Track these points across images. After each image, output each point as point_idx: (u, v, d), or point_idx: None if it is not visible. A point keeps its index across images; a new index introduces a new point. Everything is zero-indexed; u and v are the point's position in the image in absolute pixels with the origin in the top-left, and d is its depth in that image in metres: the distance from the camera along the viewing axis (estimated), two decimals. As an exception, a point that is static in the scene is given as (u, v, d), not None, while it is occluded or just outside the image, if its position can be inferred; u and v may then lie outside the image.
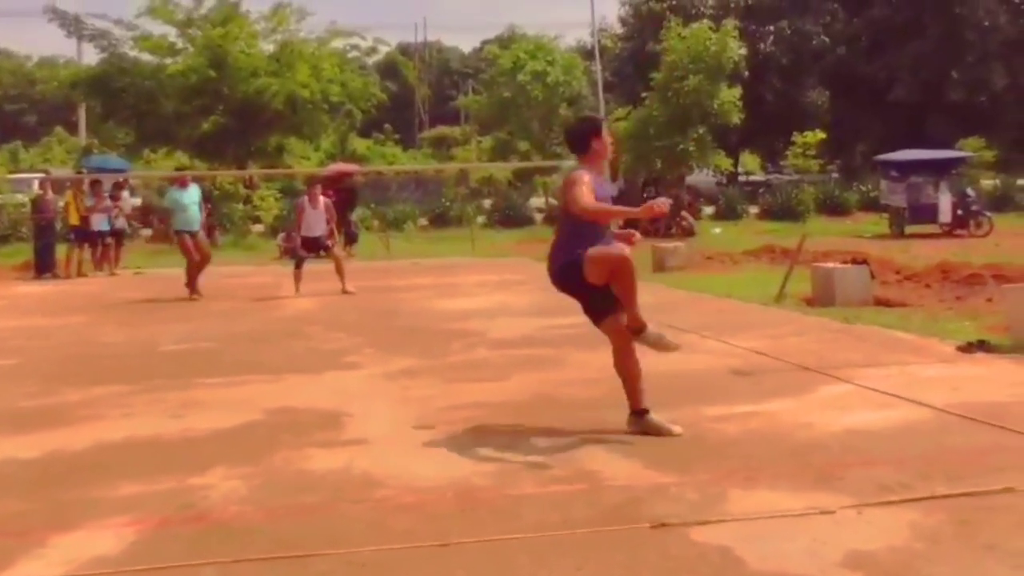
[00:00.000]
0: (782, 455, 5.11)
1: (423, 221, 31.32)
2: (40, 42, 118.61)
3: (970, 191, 25.06)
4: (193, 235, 14.40)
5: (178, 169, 24.66)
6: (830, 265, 12.11)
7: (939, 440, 5.33)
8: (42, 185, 21.18)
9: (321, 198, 14.75)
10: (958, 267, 13.39)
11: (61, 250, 18.95)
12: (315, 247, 14.61)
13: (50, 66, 46.01)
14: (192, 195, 14.64)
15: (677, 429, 5.61)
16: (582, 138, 5.93)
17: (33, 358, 9.11)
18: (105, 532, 4.20)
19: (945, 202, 23.92)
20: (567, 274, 5.82)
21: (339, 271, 14.10)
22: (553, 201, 33.59)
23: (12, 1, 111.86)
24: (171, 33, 29.08)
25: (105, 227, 18.89)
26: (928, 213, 24.05)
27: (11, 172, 41.77)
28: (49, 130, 61.44)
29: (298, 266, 14.32)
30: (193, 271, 14.10)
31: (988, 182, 33.82)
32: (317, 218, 14.50)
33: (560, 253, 5.86)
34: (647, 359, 8.10)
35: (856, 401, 6.28)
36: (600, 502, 4.42)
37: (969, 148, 34.04)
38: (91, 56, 33.75)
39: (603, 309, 5.85)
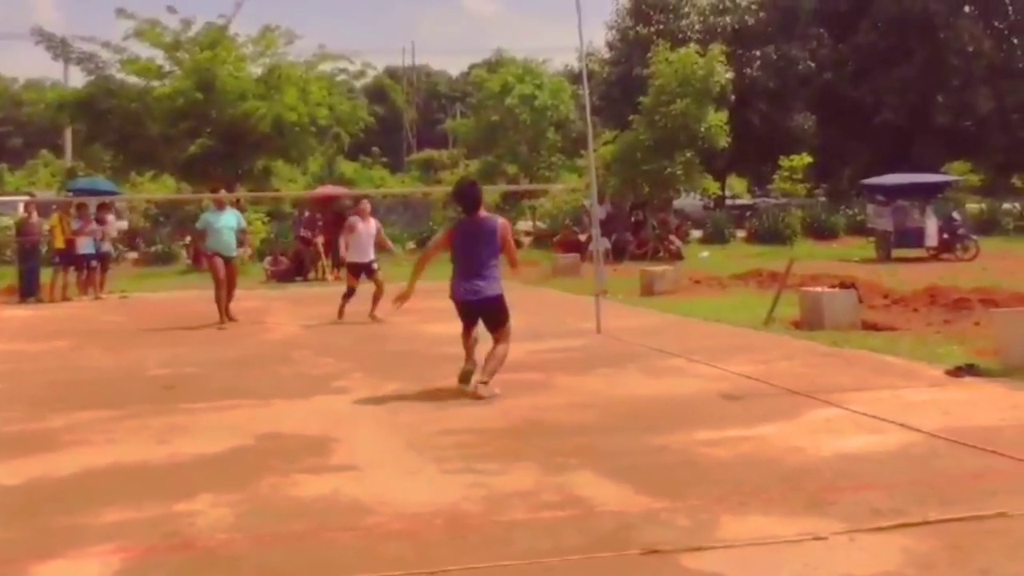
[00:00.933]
0: (773, 480, 5.09)
1: (411, 244, 31.27)
2: (27, 64, 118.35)
3: (956, 215, 25.17)
4: (227, 260, 13.61)
5: (215, 190, 24.41)
6: (818, 289, 12.13)
7: (931, 464, 5.32)
8: (27, 208, 21.07)
9: (372, 218, 14.19)
10: (946, 291, 13.42)
11: (46, 274, 18.84)
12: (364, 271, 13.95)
13: (36, 88, 45.91)
14: (227, 219, 13.84)
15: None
16: (478, 198, 8.14)
17: (17, 383, 9.03)
18: (90, 560, 4.14)
19: (932, 226, 24.01)
20: (502, 300, 8.09)
21: (376, 296, 13.54)
22: (541, 224, 33.66)
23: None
24: (158, 56, 29.06)
25: (91, 250, 18.78)
26: (915, 237, 24.13)
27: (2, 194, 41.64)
28: (35, 152, 61.25)
29: (347, 295, 13.82)
30: (221, 294, 13.39)
31: (974, 206, 34.02)
32: (368, 239, 13.94)
33: (496, 284, 8.05)
34: (639, 383, 8.11)
35: (847, 425, 6.27)
36: (591, 528, 4.39)
37: (955, 172, 34.31)
38: (78, 78, 33.72)
39: (506, 320, 8.11)
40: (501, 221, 8.17)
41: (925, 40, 40.59)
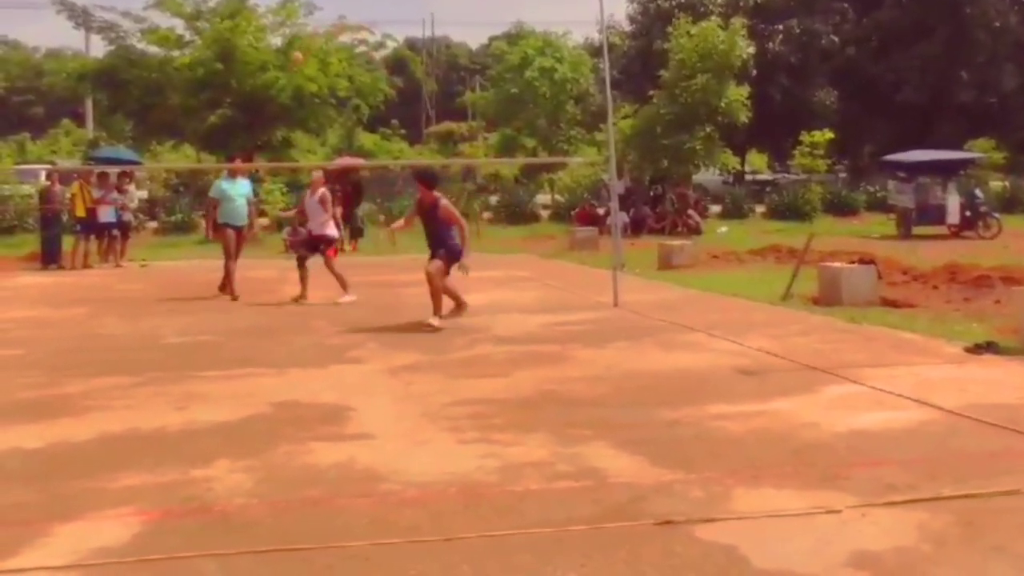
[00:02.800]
0: (787, 454, 5.09)
1: (429, 216, 31.25)
2: (48, 34, 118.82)
3: (978, 192, 24.93)
4: (238, 230, 13.53)
5: (233, 159, 24.35)
6: (837, 265, 12.06)
7: (946, 441, 5.30)
8: (49, 176, 21.19)
9: (321, 188, 13.03)
10: (966, 268, 13.32)
11: (68, 242, 18.96)
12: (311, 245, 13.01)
13: (58, 58, 46.07)
14: (240, 188, 13.71)
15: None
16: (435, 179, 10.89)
17: (37, 349, 9.11)
18: (109, 523, 4.19)
19: (953, 203, 23.81)
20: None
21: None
22: (559, 198, 33.57)
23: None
24: (179, 26, 29.07)
25: (112, 219, 18.88)
26: (936, 214, 23.93)
27: (18, 163, 41.81)
28: (56, 122, 61.50)
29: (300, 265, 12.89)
30: (231, 266, 13.23)
31: (997, 183, 33.70)
32: (313, 210, 12.90)
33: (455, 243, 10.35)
34: (654, 357, 8.11)
35: (862, 401, 6.25)
36: (604, 499, 4.41)
37: (978, 149, 33.91)
38: (99, 48, 33.77)
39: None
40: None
41: (949, 16, 40.03)
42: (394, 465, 4.99)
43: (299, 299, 12.52)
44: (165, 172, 32.88)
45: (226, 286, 13.22)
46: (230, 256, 13.29)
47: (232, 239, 13.37)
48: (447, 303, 10.21)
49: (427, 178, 10.86)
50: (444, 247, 10.25)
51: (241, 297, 12.91)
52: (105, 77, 29.38)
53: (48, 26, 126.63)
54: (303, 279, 12.71)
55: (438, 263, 10.08)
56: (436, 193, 10.57)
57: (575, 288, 13.35)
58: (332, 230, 13.19)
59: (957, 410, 5.86)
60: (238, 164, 14.56)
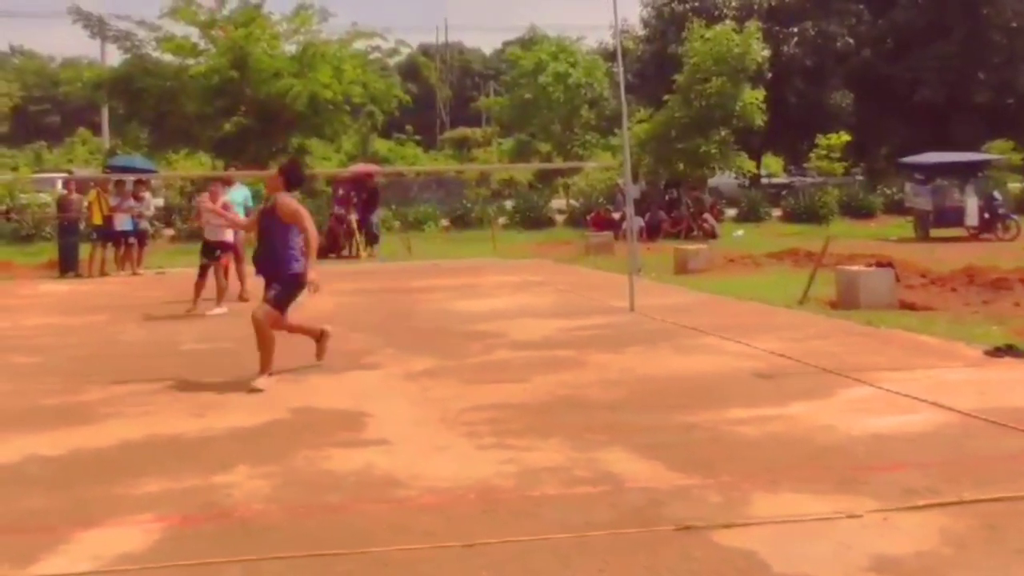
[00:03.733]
0: (805, 458, 5.07)
1: (444, 222, 31.34)
2: (64, 43, 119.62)
3: (997, 194, 24.76)
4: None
5: (228, 167, 24.50)
6: (855, 268, 12.01)
7: (966, 445, 5.27)
8: (66, 185, 21.33)
9: (221, 196, 12.91)
10: (985, 271, 13.24)
11: (85, 250, 19.07)
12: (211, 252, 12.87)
13: (74, 67, 46.36)
14: (235, 196, 13.79)
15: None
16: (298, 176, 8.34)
17: (56, 356, 9.16)
18: (130, 529, 4.21)
19: (971, 205, 23.66)
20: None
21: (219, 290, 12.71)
22: (574, 202, 33.55)
23: (37, 2, 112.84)
24: (193, 34, 29.24)
25: (128, 227, 18.98)
26: (954, 216, 23.80)
27: (35, 172, 42.09)
28: (72, 131, 61.91)
29: (201, 274, 12.79)
30: (241, 268, 13.42)
31: (1015, 185, 33.52)
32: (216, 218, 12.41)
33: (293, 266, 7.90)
34: (671, 361, 8.09)
35: (881, 405, 6.22)
36: (622, 504, 4.40)
37: (996, 151, 33.73)
38: (114, 57, 34.01)
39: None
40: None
41: (966, 16, 39.82)
42: (412, 470, 4.99)
43: (191, 310, 12.33)
44: (181, 180, 33.05)
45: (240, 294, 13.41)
46: (239, 260, 13.50)
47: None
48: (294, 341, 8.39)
49: (290, 172, 8.23)
50: (277, 275, 7.88)
51: (256, 302, 12.91)
52: (121, 86, 29.57)
53: (64, 35, 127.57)
54: (199, 288, 12.63)
55: (268, 308, 7.79)
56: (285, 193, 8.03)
57: (591, 293, 13.34)
58: (230, 236, 12.98)
59: (977, 413, 5.82)
60: (231, 173, 14.82)
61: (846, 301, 10.94)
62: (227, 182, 14.23)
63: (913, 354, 7.94)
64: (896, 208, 30.88)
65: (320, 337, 8.45)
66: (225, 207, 12.08)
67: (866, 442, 5.34)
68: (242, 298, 13.25)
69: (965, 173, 24.91)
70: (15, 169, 49.01)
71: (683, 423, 5.87)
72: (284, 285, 7.85)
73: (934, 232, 23.59)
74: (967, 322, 9.58)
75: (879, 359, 7.75)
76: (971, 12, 39.64)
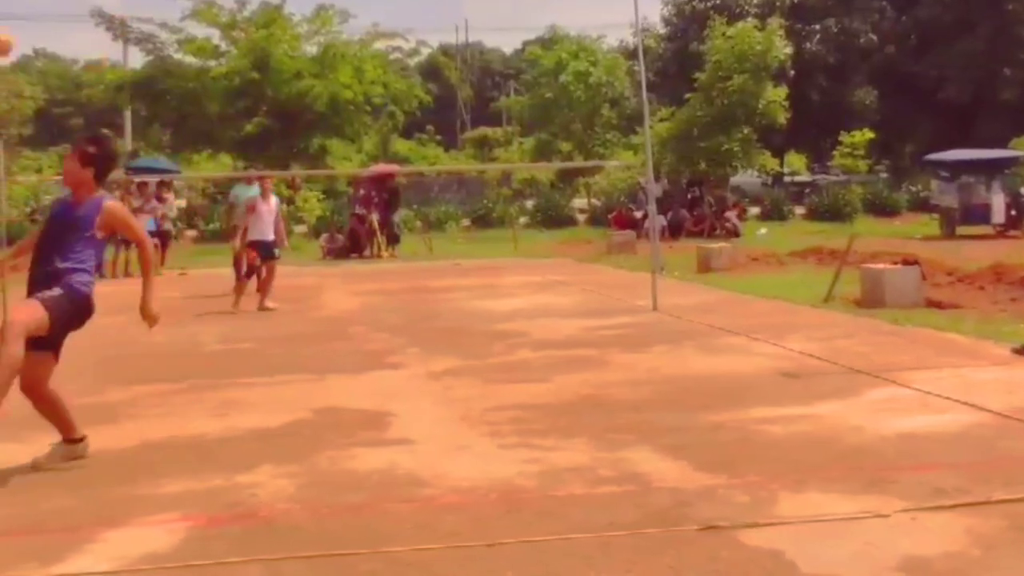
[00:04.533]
0: (833, 458, 5.02)
1: (465, 222, 31.37)
2: (86, 46, 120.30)
3: (1024, 191, 24.58)
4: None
5: (248, 167, 24.66)
6: (880, 266, 11.91)
7: (996, 444, 5.20)
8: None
9: (273, 196, 13.21)
10: (1012, 268, 13.06)
11: (108, 251, 19.17)
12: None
13: (96, 69, 46.72)
14: (254, 192, 13.86)
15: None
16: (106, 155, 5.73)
17: (79, 357, 9.15)
18: (154, 529, 4.21)
19: (998, 202, 23.44)
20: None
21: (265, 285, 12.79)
22: (596, 202, 33.48)
23: (59, 5, 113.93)
24: (215, 36, 29.40)
25: (151, 228, 19.07)
26: (980, 214, 23.58)
27: (59, 175, 42.38)
28: (95, 133, 62.30)
29: (247, 275, 12.83)
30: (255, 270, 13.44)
31: (1043, 182, 33.18)
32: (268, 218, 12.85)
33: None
34: (695, 360, 8.04)
35: (908, 404, 6.15)
36: (647, 504, 4.36)
37: (1022, 147, 33.43)
38: (137, 59, 34.22)
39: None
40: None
41: (991, 12, 39.48)
42: (435, 470, 4.98)
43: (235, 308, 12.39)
44: (203, 181, 33.22)
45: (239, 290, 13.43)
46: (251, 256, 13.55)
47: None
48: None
49: (102, 158, 5.64)
50: (60, 282, 5.45)
51: (279, 304, 13.00)
52: (143, 88, 29.78)
53: (87, 38, 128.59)
54: (242, 290, 12.67)
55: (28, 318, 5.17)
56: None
57: (613, 292, 13.30)
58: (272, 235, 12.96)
59: (1006, 412, 5.74)
60: (251, 173, 15.10)
61: (871, 300, 10.85)
62: (248, 180, 14.37)
63: (941, 353, 7.85)
64: (921, 206, 30.66)
65: (68, 429, 5.42)
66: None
67: (894, 442, 5.27)
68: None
69: (991, 170, 24.71)
70: (39, 171, 49.39)
71: (709, 423, 5.82)
72: (67, 292, 5.56)
73: (960, 230, 23.38)
74: (995, 320, 9.46)
75: (906, 358, 7.67)
76: (997, 8, 39.28)
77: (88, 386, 7.66)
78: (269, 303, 12.47)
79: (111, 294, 15.52)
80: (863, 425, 5.64)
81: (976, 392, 6.28)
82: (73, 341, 6.90)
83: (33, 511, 4.54)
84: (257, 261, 12.61)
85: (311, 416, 6.37)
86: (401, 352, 8.94)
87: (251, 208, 12.89)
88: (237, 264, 13.64)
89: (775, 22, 29.25)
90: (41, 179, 37.44)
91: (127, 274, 18.64)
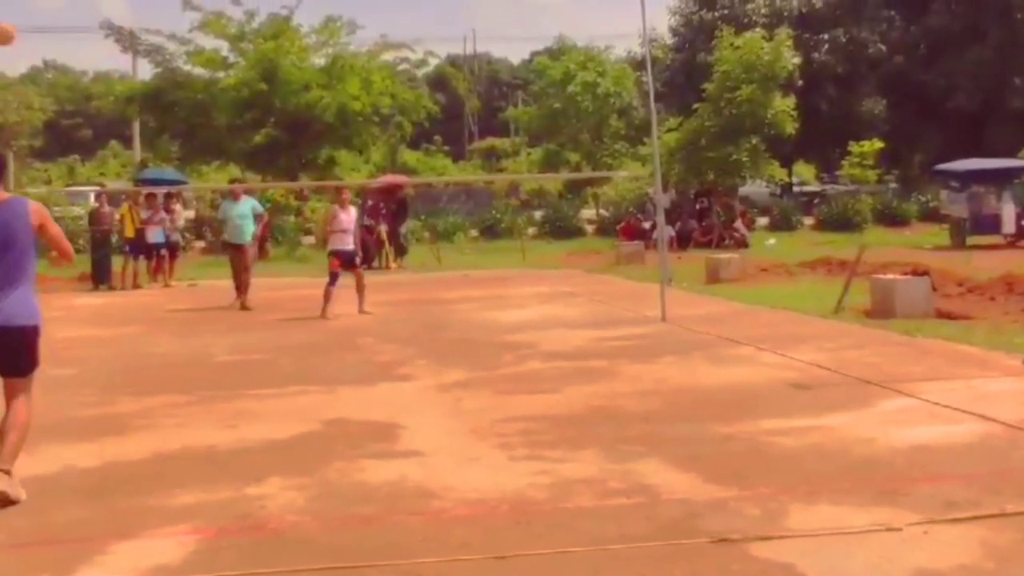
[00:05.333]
0: (844, 470, 5.00)
1: (473, 232, 31.39)
2: (96, 57, 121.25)
3: (1035, 201, 24.46)
4: (237, 248, 14.38)
5: (232, 181, 24.89)
6: (890, 276, 11.88)
7: (1008, 456, 5.18)
8: (98, 198, 21.54)
9: (351, 206, 13.62)
10: (1023, 279, 13.03)
11: (117, 262, 19.24)
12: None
13: (105, 81, 47.02)
14: (241, 208, 14.54)
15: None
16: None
17: (90, 368, 9.23)
18: (165, 540, 4.21)
19: (1009, 212, 23.34)
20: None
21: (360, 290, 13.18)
22: (604, 212, 33.47)
23: (69, 17, 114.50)
24: (223, 47, 29.48)
25: (160, 239, 19.14)
26: (991, 224, 23.48)
27: (68, 186, 42.60)
28: (104, 144, 62.62)
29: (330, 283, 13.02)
30: (237, 280, 14.18)
31: (1053, 192, 33.06)
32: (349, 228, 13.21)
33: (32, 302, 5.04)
34: (705, 371, 8.02)
35: (920, 416, 6.12)
36: (658, 516, 4.35)
37: (1032, 157, 33.34)
38: (146, 71, 34.35)
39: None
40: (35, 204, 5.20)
41: (1000, 21, 39.39)
42: (445, 482, 4.97)
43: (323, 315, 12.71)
44: (211, 192, 33.31)
45: (242, 302, 14.06)
46: (235, 271, 14.26)
47: (231, 256, 14.42)
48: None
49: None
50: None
51: (284, 315, 13.11)
52: (152, 99, 29.85)
53: (96, 50, 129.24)
54: (330, 297, 12.88)
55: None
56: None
57: (622, 303, 13.29)
58: (351, 245, 13.36)
59: (1018, 423, 5.72)
60: (236, 186, 15.50)
61: (881, 310, 10.81)
62: (235, 196, 14.63)
63: (952, 364, 7.83)
64: (931, 216, 30.59)
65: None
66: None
67: (905, 453, 5.25)
68: (244, 307, 13.85)
69: (1001, 180, 24.61)
70: (48, 183, 49.62)
71: (719, 434, 5.81)
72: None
73: (971, 240, 23.29)
74: (1006, 331, 9.42)
75: (917, 369, 7.65)
76: (1007, 17, 39.19)
77: (100, 397, 7.67)
78: (366, 308, 13.00)
79: (121, 305, 15.66)
80: (874, 436, 5.62)
81: (987, 403, 6.26)
82: (85, 352, 6.95)
83: (45, 522, 4.55)
84: (339, 269, 13.01)
85: (321, 428, 6.37)
86: (411, 363, 8.94)
87: (333, 217, 13.31)
88: (237, 278, 14.13)
89: (783, 32, 29.25)
90: (50, 190, 37.63)
91: (136, 285, 18.70)
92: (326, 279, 12.95)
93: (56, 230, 5.25)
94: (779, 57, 27.90)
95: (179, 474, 5.29)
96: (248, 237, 14.57)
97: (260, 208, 15.24)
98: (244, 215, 14.52)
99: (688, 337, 9.96)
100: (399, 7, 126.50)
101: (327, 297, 12.82)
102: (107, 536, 4.28)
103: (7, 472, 4.75)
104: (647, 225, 25.96)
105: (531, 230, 31.38)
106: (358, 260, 13.40)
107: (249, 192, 16.24)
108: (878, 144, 33.39)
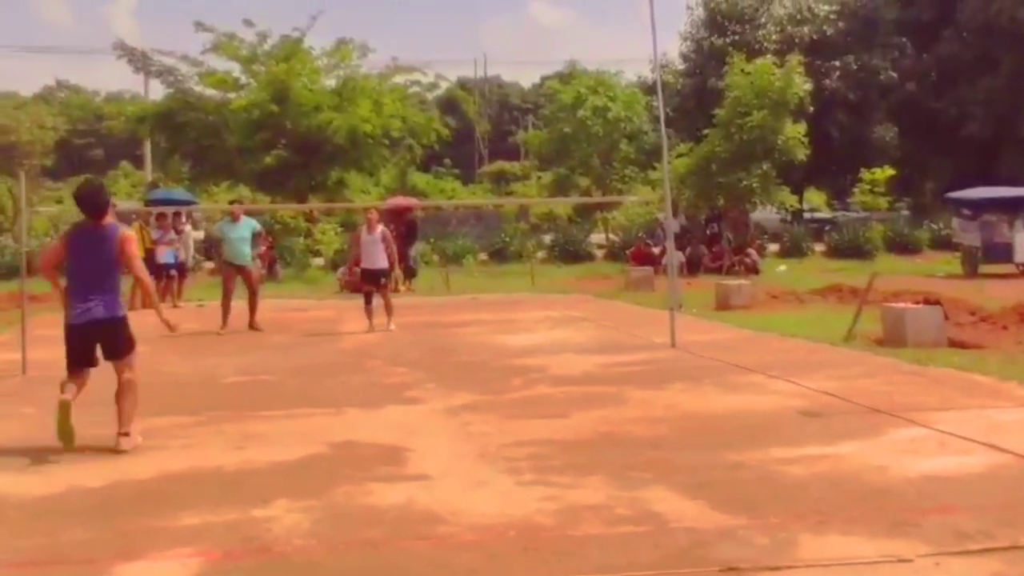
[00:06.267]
0: (854, 499, 4.95)
1: (483, 256, 31.40)
2: (108, 78, 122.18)
3: (1048, 230, 24.37)
4: (238, 268, 14.34)
5: (232, 202, 24.95)
6: (901, 305, 11.82)
7: (1021, 487, 5.12)
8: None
9: (379, 225, 14.30)
10: (1036, 309, 12.96)
11: (126, 282, 19.23)
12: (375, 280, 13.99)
13: (117, 101, 47.48)
14: (240, 229, 14.51)
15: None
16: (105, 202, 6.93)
17: (96, 387, 9.19)
18: (169, 562, 4.19)
19: (1021, 241, 23.24)
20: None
21: (387, 308, 13.87)
22: (614, 237, 33.47)
23: (82, 38, 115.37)
24: (235, 69, 29.66)
25: (171, 260, 19.18)
26: (1003, 252, 23.39)
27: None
28: (115, 164, 62.96)
29: (368, 301, 13.91)
30: (226, 303, 14.10)
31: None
32: (375, 247, 13.98)
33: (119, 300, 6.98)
34: (714, 398, 7.98)
35: (931, 445, 6.07)
36: (666, 544, 4.31)
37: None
38: (158, 91, 34.59)
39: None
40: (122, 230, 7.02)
41: (1013, 49, 39.36)
42: (452, 506, 4.94)
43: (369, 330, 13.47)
44: (221, 213, 33.44)
45: (250, 322, 14.12)
46: (226, 293, 14.21)
47: (230, 277, 14.33)
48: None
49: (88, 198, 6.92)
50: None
51: (293, 336, 13.12)
52: (163, 119, 30.05)
53: (109, 70, 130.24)
54: (369, 314, 13.73)
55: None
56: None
57: (631, 328, 13.25)
58: (384, 263, 14.04)
59: (1031, 455, 5.66)
60: (235, 207, 15.54)
61: (893, 339, 10.76)
62: (235, 216, 14.61)
63: (964, 393, 7.77)
64: (943, 244, 30.51)
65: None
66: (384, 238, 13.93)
67: (917, 484, 5.20)
68: (253, 327, 13.93)
69: (1014, 208, 24.52)
70: (60, 202, 49.88)
71: (728, 462, 5.76)
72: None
73: (983, 269, 23.21)
74: (1019, 361, 9.35)
75: (929, 398, 7.59)
76: (1019, 46, 39.16)
77: (109, 416, 7.65)
78: (391, 325, 13.65)
79: (131, 324, 15.62)
80: (884, 466, 5.57)
81: (999, 434, 6.20)
82: (95, 372, 6.94)
83: (52, 542, 4.53)
84: (365, 287, 13.90)
85: (328, 450, 6.35)
86: (419, 386, 8.92)
87: (356, 238, 14.10)
88: (227, 300, 14.17)
89: (794, 59, 29.29)
90: (62, 210, 37.81)
91: (146, 305, 18.69)
92: (332, 301, 13.21)
93: (131, 254, 6.94)
94: (790, 83, 27.93)
95: (185, 495, 5.27)
96: (249, 258, 14.58)
97: (259, 227, 15.27)
98: (243, 236, 14.49)
99: (698, 363, 9.91)
100: (410, 30, 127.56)
101: (369, 314, 13.77)
102: (112, 557, 4.26)
103: (126, 434, 6.52)
104: (657, 250, 25.94)
105: (540, 254, 31.38)
106: (383, 279, 13.94)
107: (257, 213, 16.32)
108: (889, 171, 33.39)
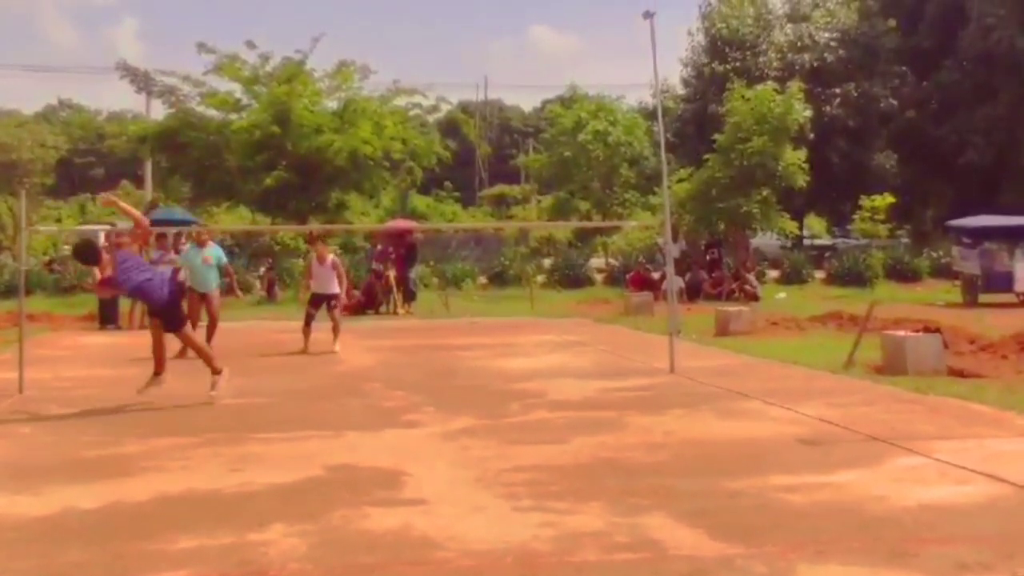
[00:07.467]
0: (853, 529, 4.93)
1: (482, 279, 31.40)
2: (110, 97, 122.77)
3: (1048, 259, 24.38)
4: (200, 296, 14.09)
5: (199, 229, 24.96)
6: (901, 333, 11.81)
7: (1020, 518, 5.10)
8: (108, 237, 21.61)
9: (330, 256, 14.79)
10: (1036, 338, 12.93)
11: (125, 302, 19.25)
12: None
13: (119, 121, 47.64)
14: (205, 255, 14.23)
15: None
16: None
17: (95, 408, 9.20)
18: (163, 587, 4.16)
19: (1021, 270, 23.22)
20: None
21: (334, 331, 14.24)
22: (614, 261, 33.49)
23: (85, 57, 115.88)
24: (237, 90, 29.74)
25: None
26: (1003, 281, 23.38)
27: (80, 224, 42.90)
28: (116, 183, 63.05)
29: (307, 323, 14.33)
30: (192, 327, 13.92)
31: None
32: (326, 275, 14.52)
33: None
34: (713, 425, 7.96)
35: (931, 475, 6.05)
36: (664, 572, 4.29)
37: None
38: (159, 111, 34.70)
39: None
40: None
41: (1012, 78, 39.55)
42: (450, 532, 4.91)
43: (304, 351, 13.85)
44: (221, 234, 33.49)
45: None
46: (191, 322, 13.49)
47: (193, 304, 13.74)
48: None
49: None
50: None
51: (290, 359, 13.15)
52: (165, 139, 30.09)
53: (111, 90, 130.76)
54: (306, 334, 14.11)
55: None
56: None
57: (631, 353, 13.24)
58: (336, 288, 14.55)
59: (1031, 485, 5.64)
60: (203, 230, 15.35)
61: (892, 367, 10.74)
62: (200, 243, 14.37)
63: (964, 423, 7.75)
64: (943, 272, 30.52)
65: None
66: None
67: (916, 513, 5.18)
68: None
69: (1014, 237, 24.52)
70: (59, 221, 49.98)
71: (727, 489, 5.74)
72: None
73: (983, 297, 23.20)
74: (1019, 390, 9.33)
75: (928, 427, 7.57)
76: (1019, 73, 39.35)
77: (106, 438, 7.64)
78: (336, 346, 13.99)
79: (127, 345, 15.63)
80: (884, 495, 5.55)
81: (999, 464, 6.18)
82: (91, 392, 6.95)
83: (48, 564, 4.51)
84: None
85: (326, 473, 6.32)
86: (417, 410, 8.90)
87: (308, 267, 14.95)
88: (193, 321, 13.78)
89: (795, 86, 29.41)
90: (61, 228, 37.87)
91: (143, 326, 18.62)
92: (330, 323, 13.54)
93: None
94: (790, 109, 28.02)
95: (182, 518, 5.25)
96: (212, 285, 14.25)
97: (224, 259, 14.87)
98: (208, 264, 14.22)
99: (697, 389, 9.90)
100: (412, 53, 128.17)
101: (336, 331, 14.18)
102: (107, 580, 4.23)
103: (218, 372, 9.65)
104: (656, 275, 25.95)
105: (540, 278, 31.38)
106: (333, 303, 14.43)
107: (257, 235, 16.25)
108: (889, 199, 33.45)
